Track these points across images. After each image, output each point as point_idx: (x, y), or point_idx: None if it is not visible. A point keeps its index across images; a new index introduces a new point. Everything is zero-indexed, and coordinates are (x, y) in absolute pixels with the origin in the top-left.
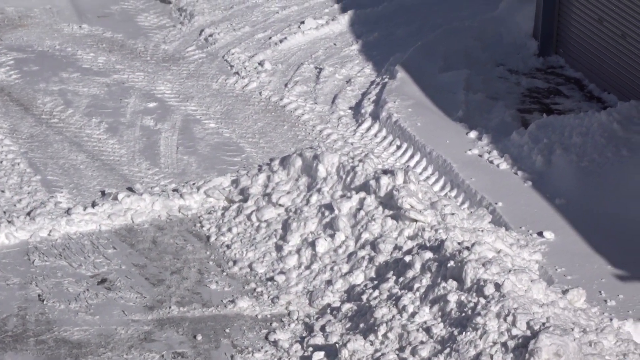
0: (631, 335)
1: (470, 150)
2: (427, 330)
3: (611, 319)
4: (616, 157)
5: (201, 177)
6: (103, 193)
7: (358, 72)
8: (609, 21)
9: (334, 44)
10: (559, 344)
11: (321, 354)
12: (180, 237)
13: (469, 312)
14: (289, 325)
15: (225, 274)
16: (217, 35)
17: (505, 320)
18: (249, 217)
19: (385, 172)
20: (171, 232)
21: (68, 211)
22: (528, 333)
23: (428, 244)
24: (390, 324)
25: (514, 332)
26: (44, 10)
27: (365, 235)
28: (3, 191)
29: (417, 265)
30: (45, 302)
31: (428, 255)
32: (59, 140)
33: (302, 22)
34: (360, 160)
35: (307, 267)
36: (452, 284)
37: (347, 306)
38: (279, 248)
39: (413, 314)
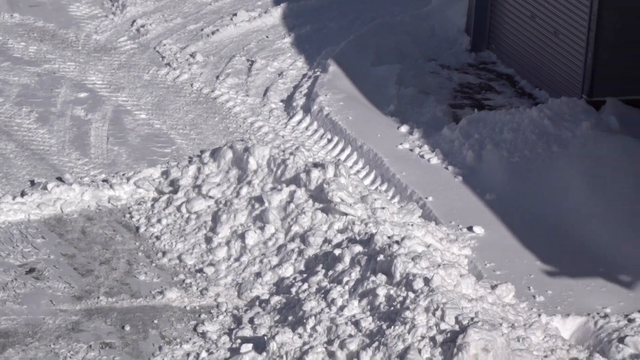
0: (559, 330)
1: (401, 144)
2: (356, 323)
3: (539, 315)
4: (547, 152)
5: (131, 168)
6: (32, 182)
7: (290, 65)
8: (541, 18)
9: (267, 37)
10: (487, 339)
11: (249, 346)
12: (109, 227)
13: (398, 306)
14: (217, 317)
15: (154, 265)
16: (149, 26)
17: (434, 314)
18: (178, 208)
19: (315, 165)
20: (100, 223)
21: None
22: (457, 328)
23: (358, 238)
24: (319, 317)
25: (443, 326)
26: None
27: (295, 228)
28: None
29: (347, 259)
30: None
31: (358, 248)
32: None
33: (235, 15)
34: (291, 153)
35: (237, 259)
36: (382, 277)
37: (276, 299)
38: (208, 240)
39: (342, 308)
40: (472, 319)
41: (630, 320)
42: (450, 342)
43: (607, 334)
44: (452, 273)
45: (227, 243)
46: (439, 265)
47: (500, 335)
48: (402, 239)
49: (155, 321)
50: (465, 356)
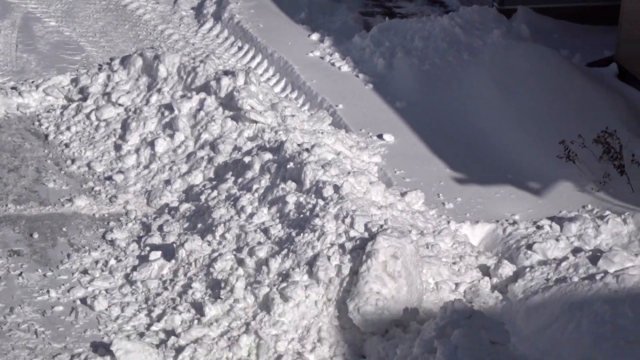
0: (468, 237)
1: (312, 52)
2: (265, 231)
3: (449, 222)
4: (457, 60)
5: (40, 75)
6: None
7: None
8: None
9: None
10: (397, 246)
11: (158, 253)
12: (18, 135)
13: (308, 213)
14: (126, 224)
15: (63, 172)
16: None
17: (343, 222)
18: (88, 116)
19: (226, 73)
20: (9, 130)
21: None
22: (366, 235)
23: (268, 145)
24: (228, 224)
25: (352, 234)
26: None
27: (205, 136)
28: None
29: (257, 167)
30: None
31: (267, 156)
32: None
33: None
34: (201, 61)
35: (146, 167)
36: (291, 185)
37: (185, 206)
38: (117, 147)
39: (251, 215)
40: (381, 226)
41: (539, 227)
42: (360, 249)
43: (515, 240)
44: (362, 180)
45: (137, 151)
46: (349, 173)
47: (409, 242)
48: (312, 146)
49: (64, 229)
50: (374, 263)
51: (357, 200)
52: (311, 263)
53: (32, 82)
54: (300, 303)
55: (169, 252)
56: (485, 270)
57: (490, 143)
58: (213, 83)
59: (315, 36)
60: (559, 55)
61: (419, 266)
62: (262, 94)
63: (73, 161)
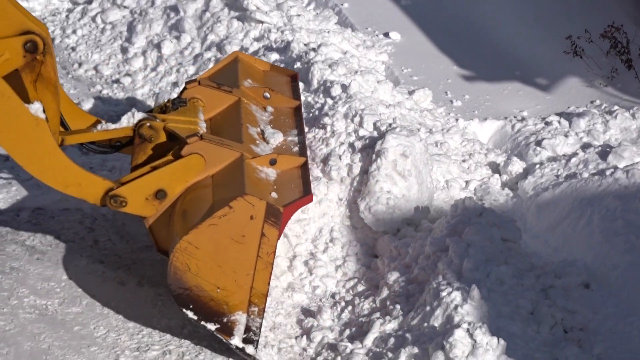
0: (476, 135)
1: None
2: None
3: (457, 119)
4: None
5: None
6: None
7: None
8: None
9: None
10: (406, 144)
11: None
12: None
13: (317, 112)
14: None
15: (70, 76)
16: None
17: (352, 121)
18: (93, 19)
19: None
20: None
21: None
22: (375, 134)
23: (274, 46)
24: None
25: (361, 132)
26: None
27: (211, 37)
28: None
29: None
30: None
31: (274, 56)
32: None
33: None
34: None
35: (153, 69)
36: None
37: None
38: (124, 50)
39: None
40: (390, 125)
41: (547, 123)
42: (369, 149)
43: (524, 137)
44: (370, 79)
45: (143, 53)
46: (356, 72)
47: (418, 140)
48: (319, 46)
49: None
50: (384, 162)
51: (365, 99)
52: (324, 161)
53: None
54: (323, 200)
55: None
56: (495, 168)
57: (497, 40)
58: None
59: None
60: None
61: (429, 164)
62: None
63: (80, 65)
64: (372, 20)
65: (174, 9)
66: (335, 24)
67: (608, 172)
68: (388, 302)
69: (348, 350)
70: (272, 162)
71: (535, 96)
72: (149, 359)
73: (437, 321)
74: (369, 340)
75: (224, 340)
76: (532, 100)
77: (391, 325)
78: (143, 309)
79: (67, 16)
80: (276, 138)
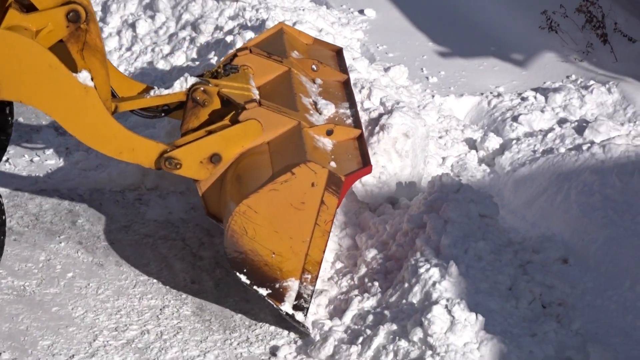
0: (453, 111)
1: None
2: None
3: (433, 96)
4: None
5: None
6: None
7: None
8: None
9: None
10: (410, 125)
11: None
12: None
13: None
14: None
15: None
16: None
17: (360, 92)
18: None
19: None
20: None
21: None
22: (381, 109)
23: (249, 24)
24: None
25: (367, 105)
26: None
27: (186, 16)
28: None
29: (239, 45)
30: None
31: (250, 35)
32: None
33: None
34: None
35: (128, 49)
36: None
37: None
38: None
39: None
40: (397, 102)
41: (524, 99)
42: (372, 121)
43: (500, 113)
44: (345, 56)
45: (118, 33)
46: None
47: (423, 125)
48: (294, 24)
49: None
50: (385, 137)
51: None
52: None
53: None
54: None
55: None
56: (472, 144)
57: (472, 16)
58: None
59: None
60: None
61: (425, 150)
62: None
63: None
64: None
65: None
66: (310, 1)
67: (585, 147)
68: (366, 280)
69: (326, 328)
70: (329, 133)
71: (511, 72)
72: (127, 339)
73: (415, 298)
74: (347, 318)
75: (275, 305)
76: (508, 75)
77: (369, 303)
78: (122, 290)
79: None
80: (329, 109)
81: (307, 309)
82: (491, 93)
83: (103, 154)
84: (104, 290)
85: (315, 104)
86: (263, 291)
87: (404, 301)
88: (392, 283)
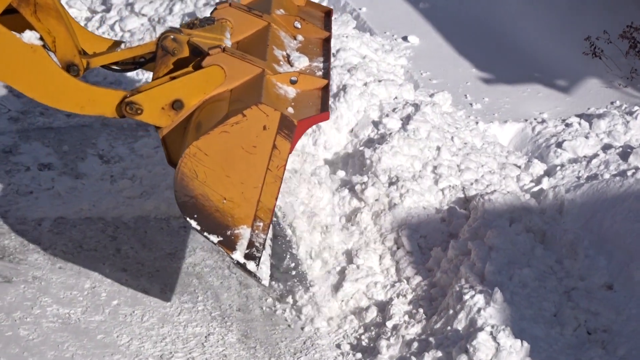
0: (497, 137)
1: None
2: None
3: (477, 122)
4: None
5: None
6: None
7: None
8: None
9: None
10: (434, 125)
11: None
12: None
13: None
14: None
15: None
16: None
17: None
18: (112, 27)
19: None
20: None
21: None
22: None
23: None
24: None
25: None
26: None
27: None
28: None
29: None
30: None
31: None
32: None
33: None
34: None
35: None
36: None
37: None
38: None
39: None
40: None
41: (568, 125)
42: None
43: (545, 139)
44: (389, 86)
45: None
46: (380, 82)
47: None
48: (337, 50)
49: (93, 141)
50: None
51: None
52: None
53: None
54: None
55: None
56: (516, 170)
57: (515, 42)
58: None
59: None
60: None
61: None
62: None
63: (105, 77)
64: (390, 24)
65: (192, 16)
66: (353, 28)
67: (629, 173)
68: (411, 306)
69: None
70: (293, 81)
71: (554, 98)
72: None
73: (460, 324)
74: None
75: (226, 254)
76: (552, 102)
77: (414, 330)
78: (167, 317)
79: (85, 25)
80: (301, 62)
81: (259, 258)
82: (535, 119)
83: (148, 182)
84: (149, 317)
85: (288, 56)
86: (214, 238)
87: (449, 328)
88: (437, 310)
